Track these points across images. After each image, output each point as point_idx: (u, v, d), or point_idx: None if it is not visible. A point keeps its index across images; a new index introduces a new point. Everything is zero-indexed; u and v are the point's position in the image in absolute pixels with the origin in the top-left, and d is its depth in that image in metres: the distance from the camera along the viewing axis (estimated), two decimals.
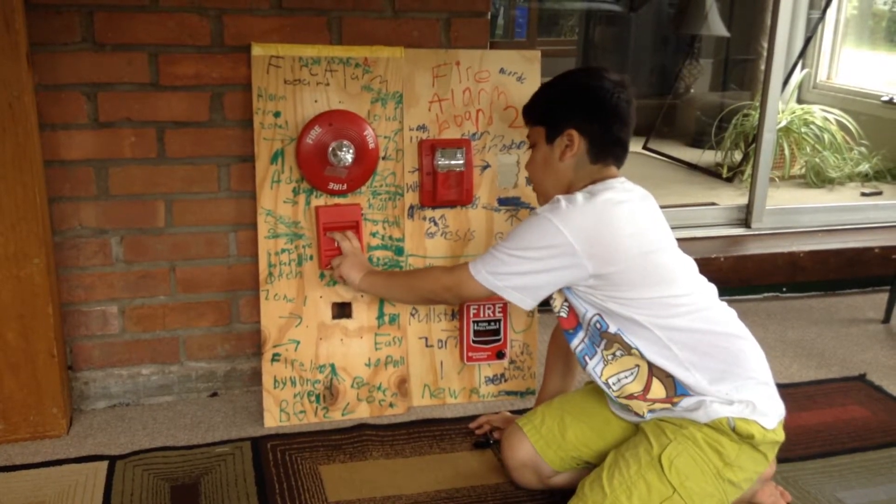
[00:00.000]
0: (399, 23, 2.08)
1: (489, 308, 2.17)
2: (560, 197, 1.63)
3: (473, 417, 2.14)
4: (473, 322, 2.16)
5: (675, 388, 1.60)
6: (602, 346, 1.67)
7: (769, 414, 1.57)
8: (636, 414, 1.68)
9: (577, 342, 1.72)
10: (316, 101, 2.02)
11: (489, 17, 2.15)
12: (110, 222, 2.04)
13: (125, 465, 1.91)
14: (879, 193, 4.10)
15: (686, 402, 1.60)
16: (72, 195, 2.00)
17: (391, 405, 2.17)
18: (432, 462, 1.95)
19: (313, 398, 2.12)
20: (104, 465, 1.90)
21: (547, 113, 1.74)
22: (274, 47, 1.98)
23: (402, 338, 2.16)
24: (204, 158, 2.05)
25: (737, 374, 1.59)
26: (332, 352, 2.12)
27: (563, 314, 1.73)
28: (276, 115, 2.00)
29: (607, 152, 1.70)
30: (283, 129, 2.01)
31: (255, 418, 2.12)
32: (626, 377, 1.65)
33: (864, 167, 4.30)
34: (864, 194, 4.09)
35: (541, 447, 1.77)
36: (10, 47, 1.77)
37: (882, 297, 2.91)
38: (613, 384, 1.67)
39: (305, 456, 1.96)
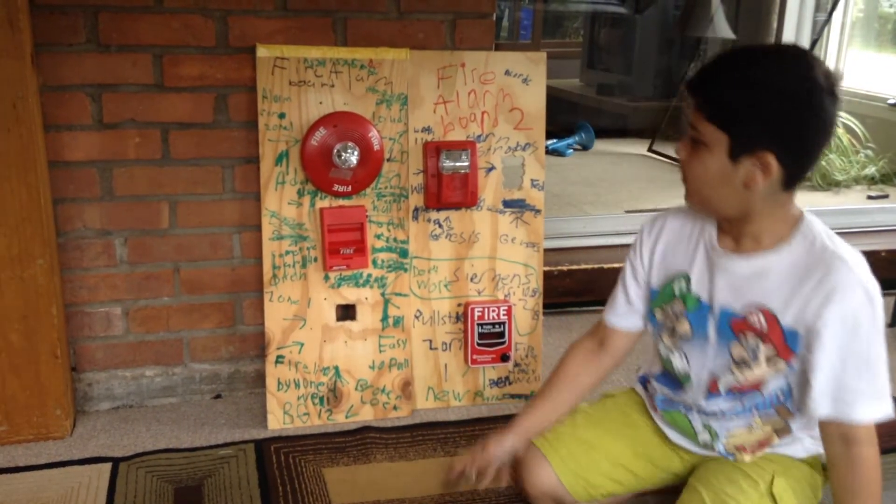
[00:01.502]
0: (404, 24, 2.07)
1: (494, 311, 2.16)
2: (859, 279, 1.32)
3: (477, 420, 2.13)
4: (478, 325, 2.16)
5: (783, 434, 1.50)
6: (761, 414, 1.48)
7: None
8: (725, 453, 1.53)
9: (726, 403, 1.48)
10: (321, 103, 2.01)
11: (494, 18, 2.15)
12: (114, 223, 2.04)
13: (128, 466, 1.90)
14: (886, 196, 4.08)
15: (784, 439, 1.50)
16: (76, 196, 2.00)
17: (395, 408, 2.16)
18: (436, 465, 1.94)
19: (317, 400, 2.11)
20: (107, 466, 1.90)
21: (738, 120, 1.30)
22: (279, 48, 1.98)
23: (406, 340, 2.16)
24: (208, 160, 2.05)
25: None
26: (336, 354, 2.11)
27: (757, 375, 1.43)
28: (281, 116, 2.00)
29: (804, 177, 1.36)
30: (288, 131, 2.01)
31: (259, 420, 2.11)
32: (750, 434, 1.50)
33: (871, 170, 4.28)
34: (870, 197, 4.07)
35: (565, 477, 1.57)
36: (14, 48, 1.77)
37: (888, 301, 2.88)
38: (726, 437, 1.51)
39: (309, 458, 1.96)
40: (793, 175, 1.32)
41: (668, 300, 1.51)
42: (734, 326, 1.42)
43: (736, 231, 1.42)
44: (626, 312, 1.59)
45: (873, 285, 1.32)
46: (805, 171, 1.35)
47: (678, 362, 1.51)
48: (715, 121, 1.31)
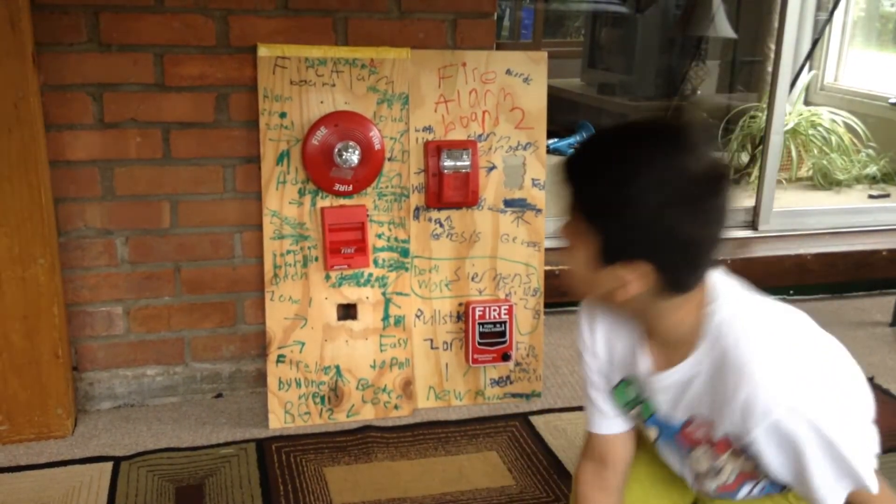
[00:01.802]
0: (405, 24, 2.07)
1: (495, 310, 2.16)
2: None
3: (478, 419, 2.13)
4: (479, 324, 2.16)
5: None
6: (762, 493, 1.28)
7: None
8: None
9: (751, 489, 1.28)
10: (322, 102, 2.01)
11: (495, 18, 2.15)
12: (115, 223, 2.04)
13: (130, 466, 1.90)
14: (887, 196, 4.08)
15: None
16: (77, 196, 2.00)
17: (396, 407, 2.16)
18: (437, 464, 1.94)
19: (318, 400, 2.11)
20: (109, 465, 1.90)
21: (608, 222, 1.10)
22: (280, 48, 1.98)
23: (407, 339, 2.16)
24: (209, 159, 2.05)
25: None
26: (337, 353, 2.11)
27: (730, 480, 1.25)
28: (282, 115, 2.00)
29: (694, 278, 1.14)
30: (289, 130, 2.01)
31: (260, 420, 2.11)
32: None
33: (872, 169, 4.28)
34: (871, 196, 4.07)
35: None
36: (15, 47, 1.77)
37: (889, 300, 2.89)
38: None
39: (310, 458, 1.96)
40: (677, 282, 1.12)
41: (624, 406, 1.33)
42: (684, 439, 1.25)
43: (648, 330, 1.22)
44: (603, 420, 1.37)
45: (799, 390, 1.06)
46: (693, 275, 1.13)
47: (664, 456, 1.37)
48: (585, 217, 1.12)
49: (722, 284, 1.17)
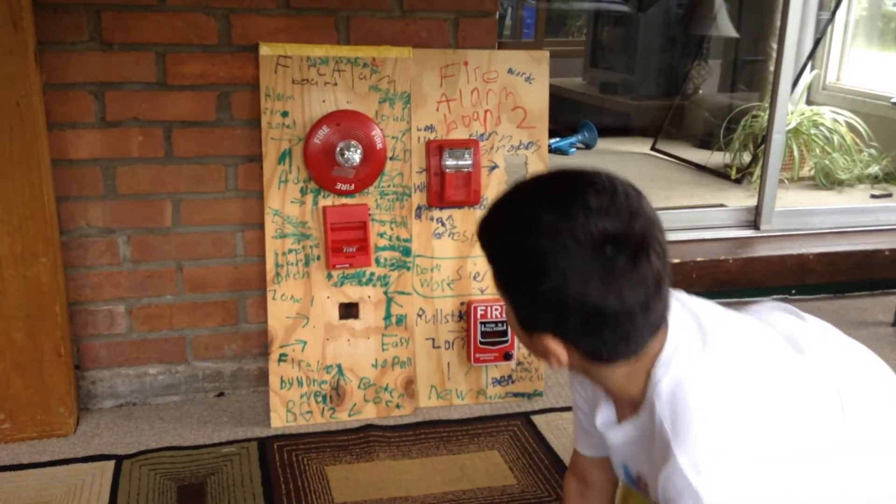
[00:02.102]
0: (407, 23, 2.07)
1: (496, 309, 2.16)
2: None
3: (480, 419, 2.13)
4: (481, 323, 2.16)
5: None
6: None
7: None
8: None
9: None
10: (324, 101, 2.01)
11: (497, 17, 2.15)
12: (117, 221, 2.04)
13: (132, 464, 1.91)
14: (889, 195, 4.07)
15: None
16: (79, 194, 2.00)
17: (398, 406, 2.17)
18: (439, 463, 1.94)
19: (320, 399, 2.12)
20: (111, 464, 1.90)
21: (509, 294, 1.04)
22: (282, 47, 1.98)
23: (409, 339, 2.16)
24: (211, 158, 2.05)
25: None
26: (338, 352, 2.12)
27: None
28: (284, 114, 2.00)
29: (618, 351, 1.02)
30: (291, 129, 2.01)
31: (262, 418, 2.11)
32: None
33: (874, 169, 4.27)
34: (873, 196, 4.07)
35: None
36: (17, 46, 1.77)
37: (891, 300, 2.89)
38: None
39: (312, 456, 1.96)
40: (599, 355, 1.02)
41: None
42: (640, 489, 1.18)
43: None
44: (588, 440, 1.30)
45: (711, 485, 0.96)
46: (620, 346, 1.01)
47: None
48: (497, 285, 1.04)
49: (681, 336, 1.05)
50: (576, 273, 0.94)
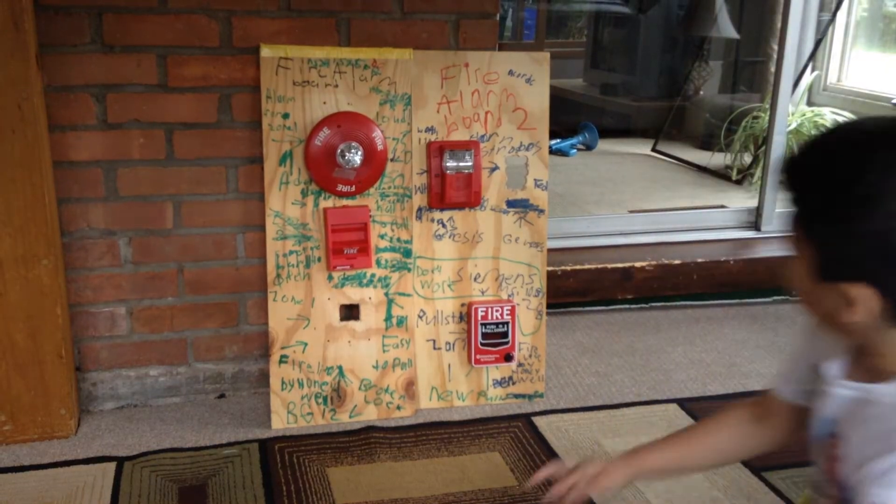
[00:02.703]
0: (407, 24, 2.07)
1: (497, 311, 2.16)
2: None
3: (481, 420, 2.13)
4: (481, 325, 2.16)
5: None
6: None
7: None
8: None
9: None
10: (324, 103, 2.02)
11: (498, 18, 2.15)
12: (118, 223, 2.04)
13: (133, 466, 1.91)
14: None
15: None
16: (80, 196, 2.00)
17: (399, 407, 2.17)
18: (440, 465, 1.95)
19: (321, 400, 2.12)
20: (112, 466, 1.91)
21: (829, 238, 0.99)
22: (283, 49, 1.98)
23: (409, 340, 2.16)
24: (212, 160, 2.05)
25: None
26: (339, 354, 2.12)
27: None
28: (285, 116, 2.00)
29: None
30: (292, 131, 2.01)
31: (263, 420, 2.12)
32: None
33: None
34: None
35: None
36: (19, 48, 1.78)
37: None
38: None
39: (313, 458, 1.96)
40: None
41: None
42: (821, 451, 1.17)
43: (860, 350, 1.09)
44: (797, 389, 1.25)
45: None
46: None
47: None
48: (803, 226, 1.02)
49: None
50: None
